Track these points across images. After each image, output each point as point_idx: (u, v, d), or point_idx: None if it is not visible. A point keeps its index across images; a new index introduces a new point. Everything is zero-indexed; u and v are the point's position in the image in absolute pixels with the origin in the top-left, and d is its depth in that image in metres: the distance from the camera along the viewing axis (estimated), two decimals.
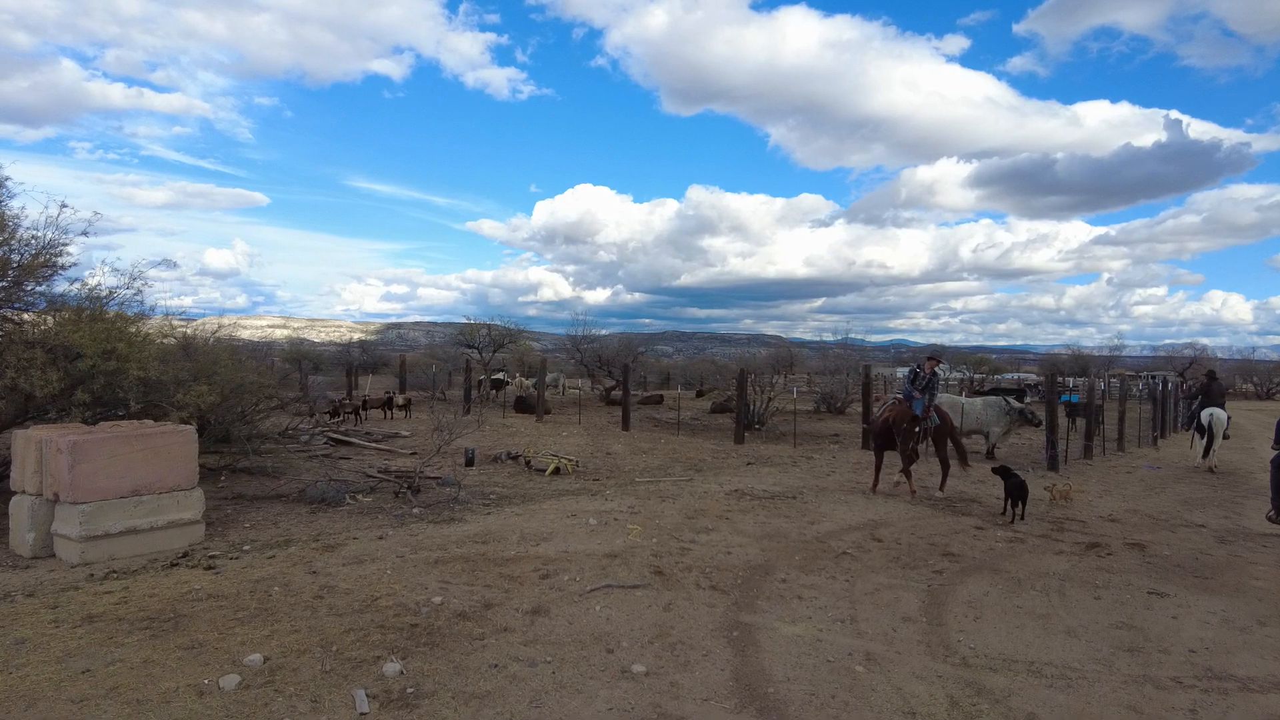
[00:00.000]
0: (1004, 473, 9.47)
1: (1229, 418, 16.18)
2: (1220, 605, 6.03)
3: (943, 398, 16.20)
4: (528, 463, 13.30)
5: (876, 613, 5.63)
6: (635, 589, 5.86)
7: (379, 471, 11.50)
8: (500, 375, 41.83)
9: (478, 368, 30.76)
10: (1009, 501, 9.22)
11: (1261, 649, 5.14)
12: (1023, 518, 9.18)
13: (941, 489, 10.54)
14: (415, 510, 8.88)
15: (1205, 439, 15.41)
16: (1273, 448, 9.02)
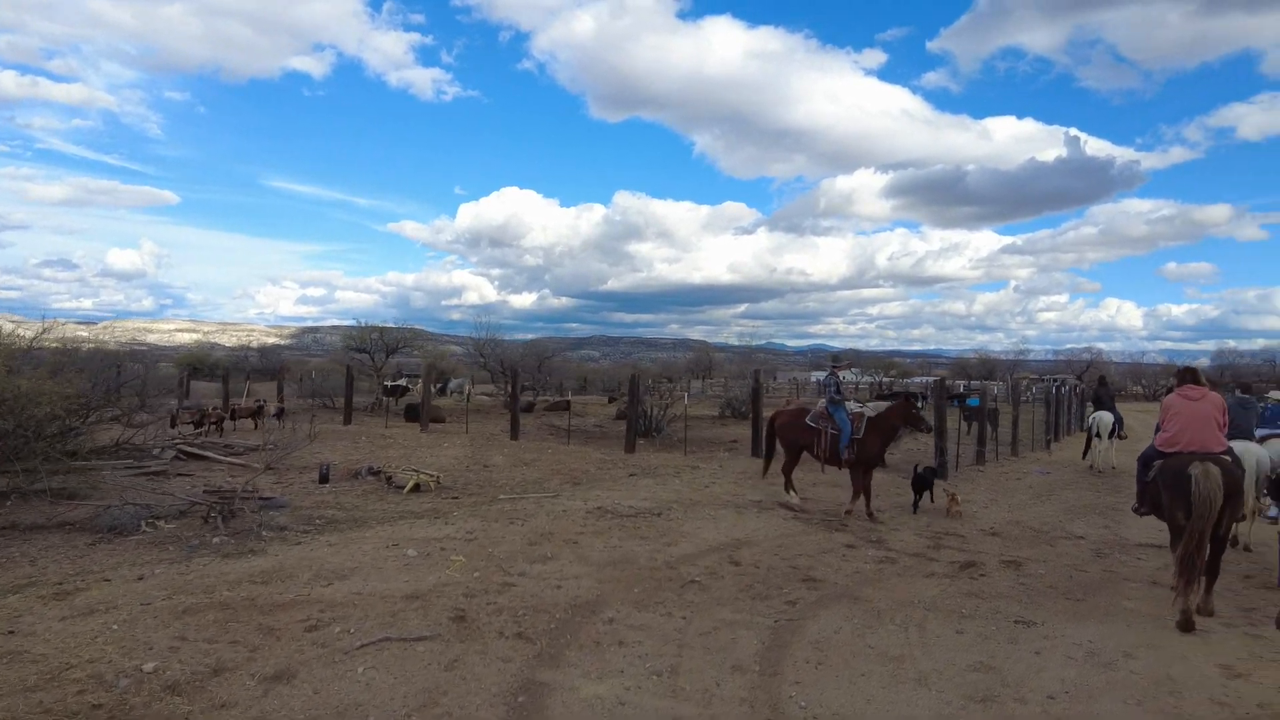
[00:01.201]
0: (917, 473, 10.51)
1: (1117, 420, 16.49)
2: (1089, 634, 5.42)
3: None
4: (388, 479, 12.12)
5: (705, 661, 4.78)
6: (419, 642, 4.85)
7: (204, 491, 10.13)
8: (402, 382, 40.07)
9: (370, 373, 29.07)
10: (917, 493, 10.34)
11: (1125, 691, 4.50)
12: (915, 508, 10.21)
13: (861, 508, 9.72)
14: (217, 540, 7.65)
15: (1092, 440, 15.92)
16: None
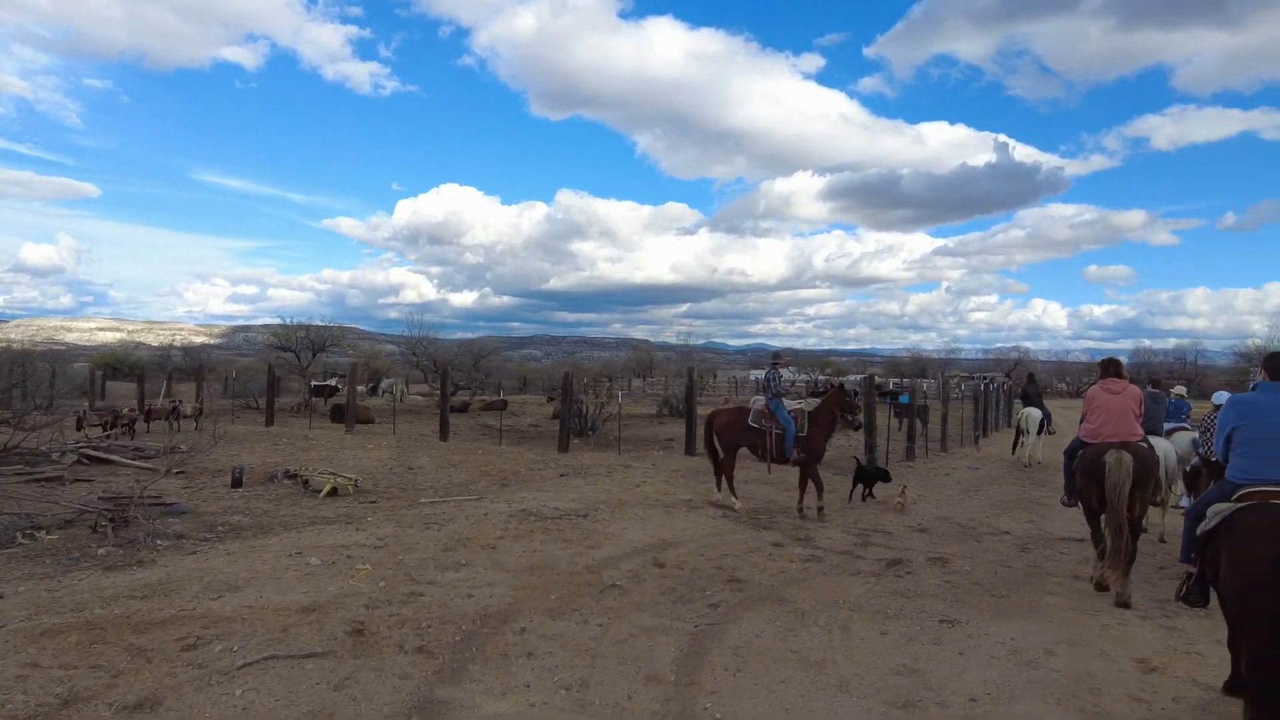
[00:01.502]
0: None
1: (1045, 416, 17.17)
2: (1012, 632, 5.34)
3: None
4: (305, 482, 11.53)
5: (618, 672, 4.51)
6: (308, 659, 4.47)
7: (99, 498, 9.44)
8: (332, 381, 38.76)
9: (298, 373, 28.01)
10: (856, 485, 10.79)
11: (1045, 690, 4.40)
12: (864, 499, 10.69)
13: (811, 502, 9.58)
14: (103, 551, 7.06)
15: (1020, 436, 16.58)
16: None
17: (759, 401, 10.15)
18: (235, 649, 4.57)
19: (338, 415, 24.03)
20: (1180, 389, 14.23)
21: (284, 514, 9.25)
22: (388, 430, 20.53)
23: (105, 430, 17.97)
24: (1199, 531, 4.17)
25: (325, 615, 5.19)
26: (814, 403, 10.09)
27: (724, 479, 9.86)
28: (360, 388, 41.43)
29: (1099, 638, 5.30)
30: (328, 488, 10.88)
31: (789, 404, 9.89)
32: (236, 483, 11.70)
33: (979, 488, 12.72)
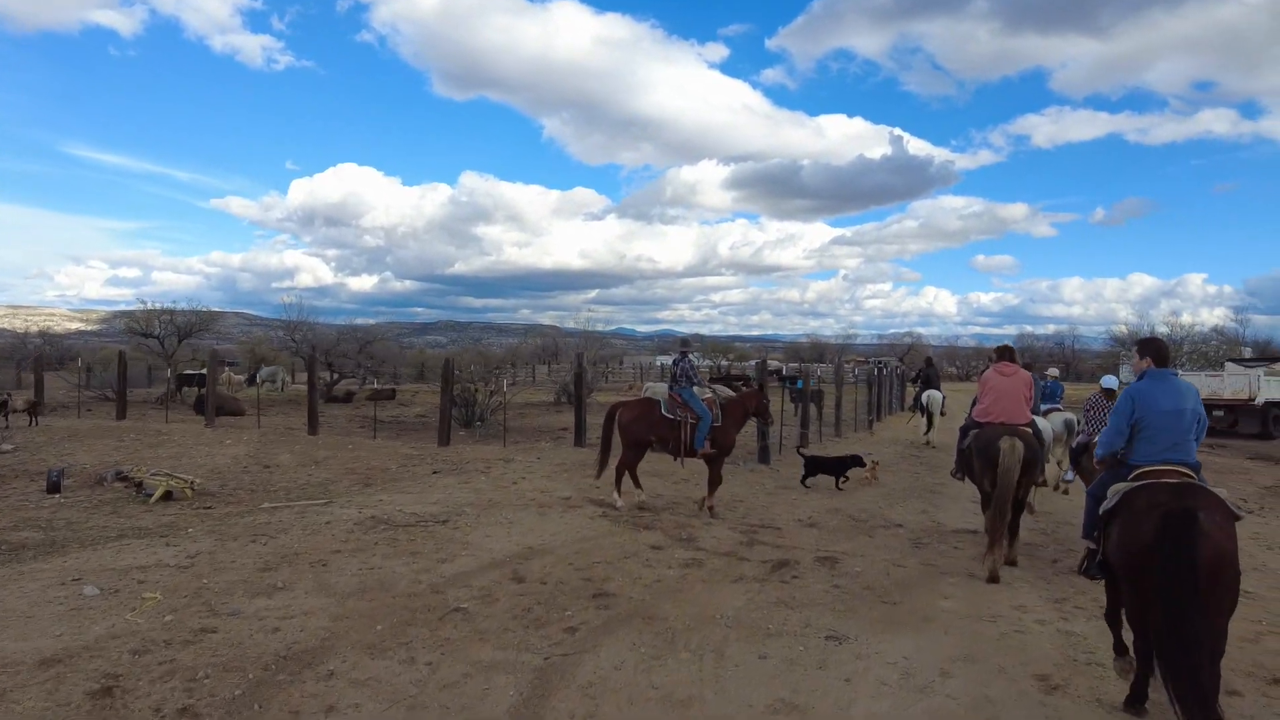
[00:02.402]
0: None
1: (944, 397, 18.13)
2: (905, 649, 4.76)
3: (659, 387, 14.99)
4: (139, 485, 10.10)
5: None
6: None
7: None
8: (204, 370, 35.90)
9: (163, 361, 25.61)
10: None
11: None
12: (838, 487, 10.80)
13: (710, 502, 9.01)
14: None
15: (925, 417, 17.39)
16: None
17: (659, 389, 9.41)
18: None
19: (201, 407, 22.04)
20: (1054, 371, 14.65)
21: (92, 526, 7.90)
22: (255, 423, 18.85)
23: None
24: (1101, 510, 4.26)
25: (70, 668, 4.09)
26: (726, 392, 9.40)
27: (624, 476, 9.03)
28: (239, 377, 38.85)
29: (997, 651, 4.78)
30: (160, 491, 9.52)
31: (700, 393, 9.15)
32: (53, 487, 10.17)
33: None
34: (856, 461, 11.05)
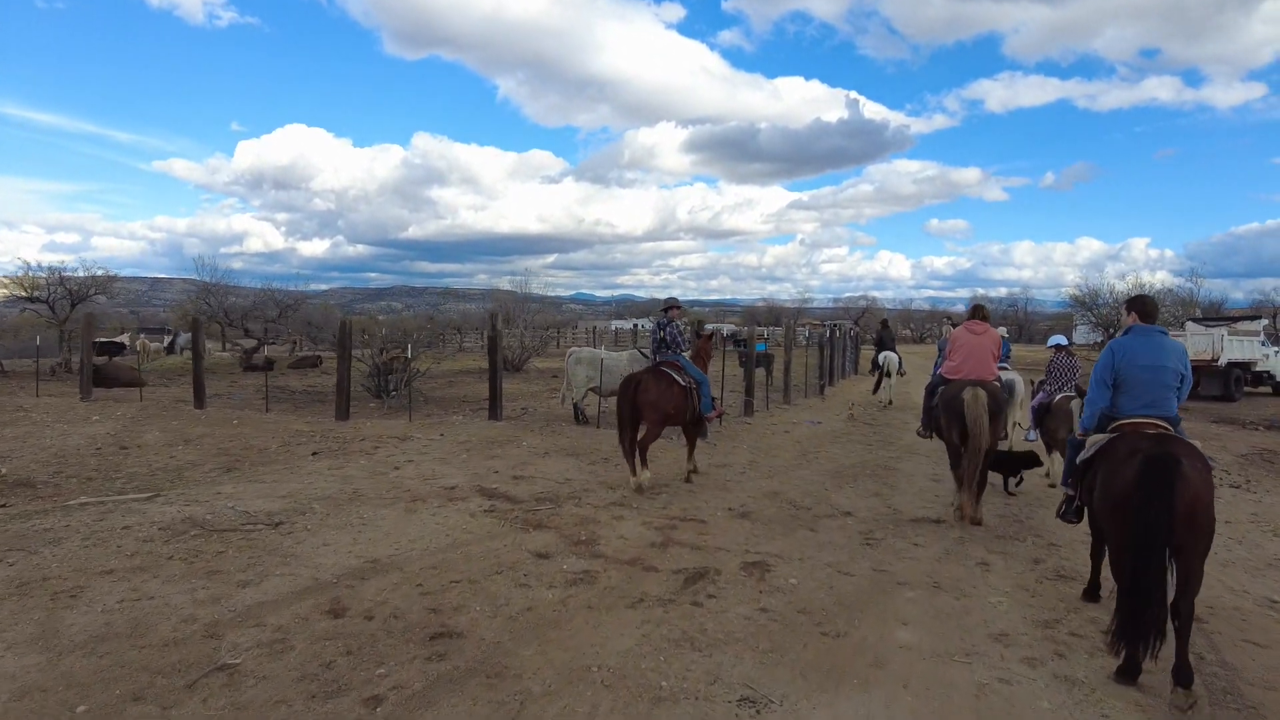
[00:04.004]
0: None
1: (900, 359, 18.29)
2: (848, 716, 3.35)
3: (584, 352, 13.48)
4: None
5: None
6: None
7: None
8: (121, 339, 33.42)
9: (56, 328, 23.21)
10: None
11: None
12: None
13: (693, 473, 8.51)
14: None
15: (884, 378, 17.53)
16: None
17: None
18: None
19: (100, 379, 19.89)
20: (1002, 330, 13.70)
21: None
22: (150, 394, 16.87)
23: None
24: (1079, 460, 4.40)
25: None
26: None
27: (644, 455, 7.74)
28: (157, 344, 36.31)
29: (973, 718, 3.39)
30: None
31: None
32: None
33: (820, 448, 11.09)
34: (1033, 461, 8.33)
